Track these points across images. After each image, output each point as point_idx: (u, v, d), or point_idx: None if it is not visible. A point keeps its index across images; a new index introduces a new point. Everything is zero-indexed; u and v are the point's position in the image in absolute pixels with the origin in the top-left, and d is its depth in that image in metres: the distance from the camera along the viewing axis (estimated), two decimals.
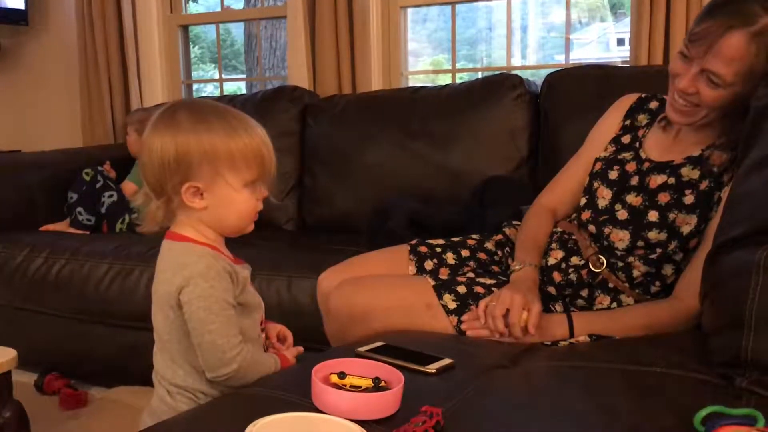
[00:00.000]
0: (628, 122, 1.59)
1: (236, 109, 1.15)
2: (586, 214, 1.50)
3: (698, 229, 1.38)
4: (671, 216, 1.40)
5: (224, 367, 1.09)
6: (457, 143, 2.43)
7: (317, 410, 0.93)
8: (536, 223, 1.60)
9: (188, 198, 1.10)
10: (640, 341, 1.29)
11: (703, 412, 0.87)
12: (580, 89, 2.30)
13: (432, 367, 1.12)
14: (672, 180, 1.43)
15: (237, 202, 1.12)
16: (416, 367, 1.12)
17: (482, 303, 1.37)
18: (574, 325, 1.37)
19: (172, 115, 1.10)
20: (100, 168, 2.70)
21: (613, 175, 1.51)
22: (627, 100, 1.63)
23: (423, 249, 1.62)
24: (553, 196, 1.66)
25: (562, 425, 0.95)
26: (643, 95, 1.62)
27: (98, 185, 2.65)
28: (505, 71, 2.67)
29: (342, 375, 1.00)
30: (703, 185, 1.40)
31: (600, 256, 1.45)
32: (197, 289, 1.08)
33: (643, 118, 1.58)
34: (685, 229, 1.39)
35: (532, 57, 7.10)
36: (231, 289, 1.11)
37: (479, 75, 2.77)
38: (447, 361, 1.15)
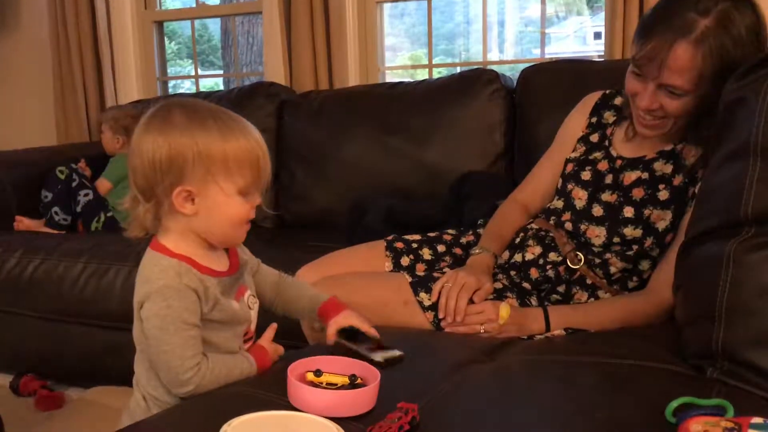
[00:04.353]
0: (594, 119, 1.60)
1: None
2: (566, 216, 1.51)
3: (674, 225, 1.40)
4: (646, 212, 1.41)
5: (180, 388, 1.04)
6: (434, 138, 2.44)
7: (294, 408, 0.93)
8: (505, 216, 1.62)
9: (179, 203, 1.03)
10: (615, 334, 1.30)
11: (675, 403, 0.88)
12: (554, 84, 2.31)
13: (379, 356, 1.13)
14: (645, 175, 1.45)
15: (229, 208, 1.05)
16: (367, 354, 1.13)
17: (437, 284, 1.40)
18: (550, 320, 1.38)
19: (165, 114, 1.04)
20: (74, 166, 2.66)
21: (586, 176, 1.52)
22: (591, 99, 1.64)
23: (399, 245, 1.63)
24: (525, 193, 1.67)
25: (537, 418, 0.96)
26: (607, 92, 1.62)
27: (74, 184, 2.61)
28: (481, 66, 2.68)
29: (318, 373, 1.01)
30: (677, 181, 1.41)
31: (578, 253, 1.46)
32: (154, 306, 1.02)
33: (609, 116, 1.59)
34: (661, 225, 1.40)
35: (510, 51, 7.12)
36: (194, 308, 1.04)
37: (457, 70, 2.77)
38: (397, 353, 1.15)
